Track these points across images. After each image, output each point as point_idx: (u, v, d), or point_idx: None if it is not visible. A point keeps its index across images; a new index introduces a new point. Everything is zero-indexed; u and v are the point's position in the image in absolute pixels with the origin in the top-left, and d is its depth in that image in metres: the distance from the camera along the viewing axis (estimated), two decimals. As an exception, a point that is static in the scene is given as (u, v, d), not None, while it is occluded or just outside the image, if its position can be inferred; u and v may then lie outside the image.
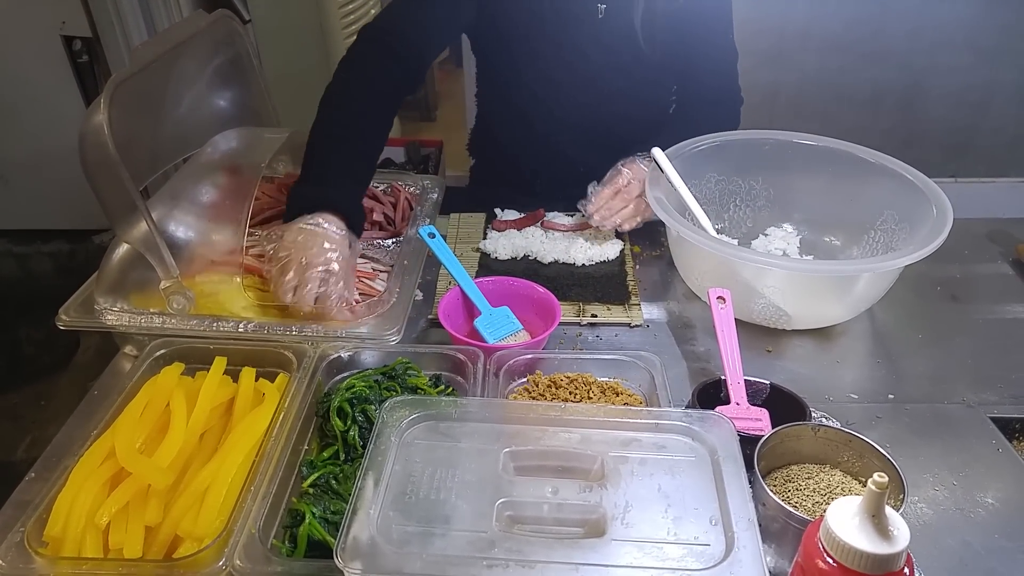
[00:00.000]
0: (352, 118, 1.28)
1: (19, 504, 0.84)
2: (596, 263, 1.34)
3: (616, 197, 1.36)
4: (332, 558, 0.68)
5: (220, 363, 0.99)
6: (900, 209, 1.24)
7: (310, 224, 1.13)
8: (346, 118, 1.28)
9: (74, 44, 2.39)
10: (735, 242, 1.36)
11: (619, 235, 1.41)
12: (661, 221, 1.18)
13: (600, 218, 1.35)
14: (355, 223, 1.19)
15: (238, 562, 0.75)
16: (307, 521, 0.81)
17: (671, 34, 1.42)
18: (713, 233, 1.29)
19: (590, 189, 1.39)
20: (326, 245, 1.11)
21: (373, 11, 2.89)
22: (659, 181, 1.26)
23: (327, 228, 1.13)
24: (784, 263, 1.16)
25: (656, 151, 1.28)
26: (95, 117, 0.99)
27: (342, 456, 0.91)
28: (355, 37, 1.35)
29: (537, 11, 1.40)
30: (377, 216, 1.37)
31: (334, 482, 0.87)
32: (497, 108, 1.62)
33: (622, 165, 1.38)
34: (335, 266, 1.10)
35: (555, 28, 1.42)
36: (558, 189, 1.50)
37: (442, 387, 1.01)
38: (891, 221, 1.26)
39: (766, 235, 1.39)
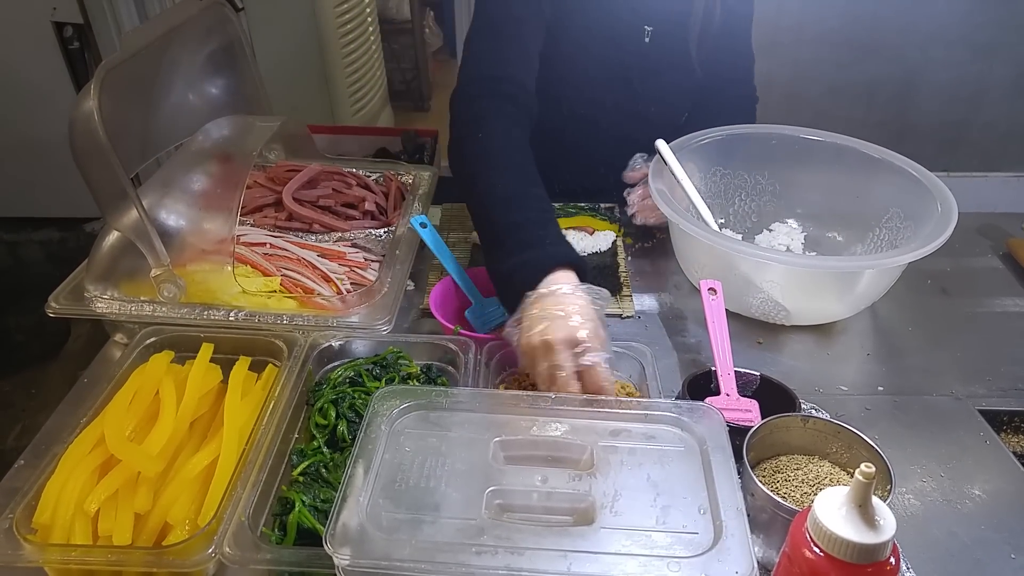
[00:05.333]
0: (515, 176, 1.12)
1: (8, 491, 0.84)
2: (588, 254, 1.34)
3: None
4: (321, 546, 0.68)
5: (206, 350, 0.99)
6: (905, 206, 1.24)
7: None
8: (509, 178, 1.11)
9: (65, 30, 2.37)
10: (739, 237, 1.37)
11: (612, 221, 1.41)
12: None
13: (643, 218, 1.37)
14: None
15: (227, 550, 0.75)
16: (297, 509, 0.81)
17: (721, 51, 1.42)
18: (715, 227, 1.29)
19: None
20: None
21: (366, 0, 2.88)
22: (662, 173, 1.26)
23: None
24: (782, 257, 1.16)
25: (660, 143, 1.28)
26: (85, 103, 0.98)
27: (324, 447, 0.91)
28: (458, 90, 1.24)
29: (587, 30, 1.36)
30: (369, 206, 1.36)
31: (324, 470, 0.87)
32: None
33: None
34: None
35: (601, 48, 1.38)
36: (581, 189, 1.49)
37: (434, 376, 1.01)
38: (896, 219, 1.25)
39: (770, 230, 1.38)
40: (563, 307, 0.92)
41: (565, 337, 0.89)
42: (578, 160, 1.52)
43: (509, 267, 1.01)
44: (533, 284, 0.96)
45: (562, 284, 0.95)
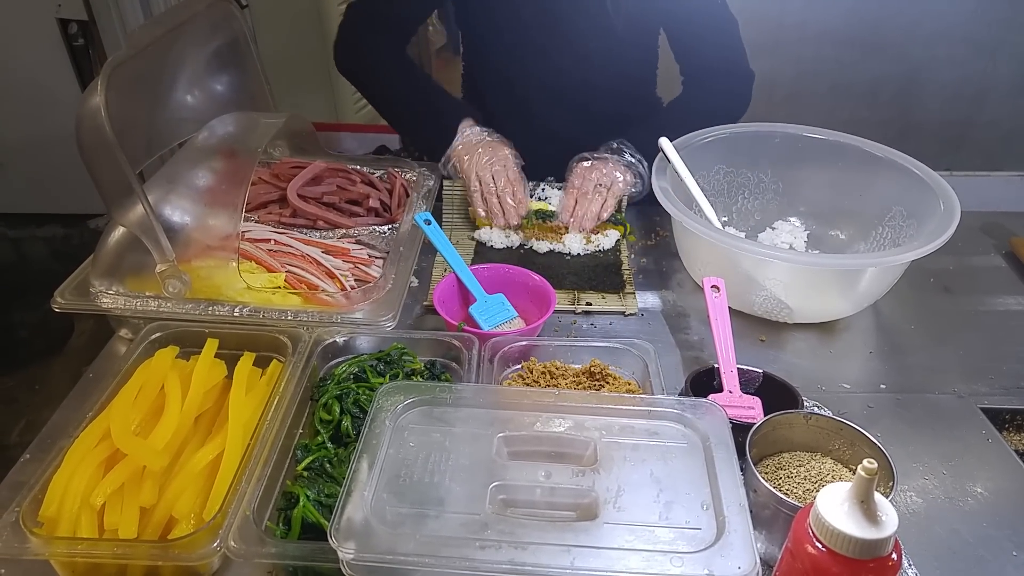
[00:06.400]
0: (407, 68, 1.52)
1: (14, 485, 0.85)
2: (591, 252, 1.35)
3: (581, 202, 1.36)
4: (326, 541, 0.69)
5: (211, 345, 0.99)
6: (908, 205, 1.24)
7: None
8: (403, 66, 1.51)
9: (70, 27, 2.38)
10: (742, 235, 1.37)
11: (616, 222, 1.41)
12: (657, 211, 1.18)
13: (579, 228, 1.35)
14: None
15: (232, 543, 0.75)
16: (301, 504, 0.81)
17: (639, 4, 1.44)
18: (718, 225, 1.29)
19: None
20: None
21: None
22: (665, 171, 1.26)
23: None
24: (785, 255, 1.15)
25: (663, 141, 1.28)
26: (92, 99, 0.98)
27: (328, 443, 0.91)
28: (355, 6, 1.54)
29: None
30: (373, 203, 1.36)
31: (328, 465, 0.87)
32: (481, 81, 1.63)
33: (571, 171, 1.40)
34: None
35: None
36: (546, 162, 1.50)
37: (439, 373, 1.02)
38: (899, 217, 1.25)
39: (773, 228, 1.38)
40: (491, 149, 1.36)
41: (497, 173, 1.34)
42: (537, 120, 1.57)
43: (429, 131, 1.45)
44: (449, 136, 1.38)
45: (475, 129, 1.38)
